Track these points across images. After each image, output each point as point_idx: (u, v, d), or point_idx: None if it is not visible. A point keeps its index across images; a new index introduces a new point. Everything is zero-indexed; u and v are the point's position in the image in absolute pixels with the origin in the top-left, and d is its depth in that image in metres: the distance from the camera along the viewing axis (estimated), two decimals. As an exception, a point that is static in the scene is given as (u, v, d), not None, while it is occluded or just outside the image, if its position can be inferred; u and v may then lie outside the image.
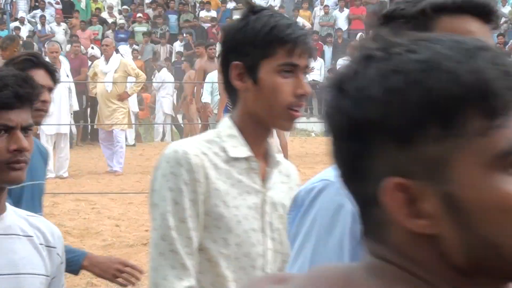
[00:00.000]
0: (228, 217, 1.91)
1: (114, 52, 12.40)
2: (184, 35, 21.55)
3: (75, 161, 12.54)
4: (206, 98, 11.76)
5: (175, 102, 17.74)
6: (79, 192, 10.03)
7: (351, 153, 0.90)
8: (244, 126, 1.96)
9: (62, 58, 12.21)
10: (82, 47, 17.98)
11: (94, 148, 14.67)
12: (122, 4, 24.48)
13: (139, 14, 23.05)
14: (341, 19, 22.74)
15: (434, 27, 1.37)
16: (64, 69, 11.01)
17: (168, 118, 17.29)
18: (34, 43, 16.07)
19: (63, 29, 21.86)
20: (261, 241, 1.96)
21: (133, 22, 22.99)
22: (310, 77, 17.92)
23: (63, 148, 11.70)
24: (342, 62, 11.62)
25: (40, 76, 3.02)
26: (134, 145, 15.62)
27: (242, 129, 1.96)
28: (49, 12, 22.68)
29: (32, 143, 1.96)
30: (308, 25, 22.94)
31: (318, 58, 20.53)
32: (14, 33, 20.13)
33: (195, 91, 14.27)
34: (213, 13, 23.05)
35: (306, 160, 13.79)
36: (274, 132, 2.32)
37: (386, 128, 0.87)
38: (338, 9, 23.01)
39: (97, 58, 13.81)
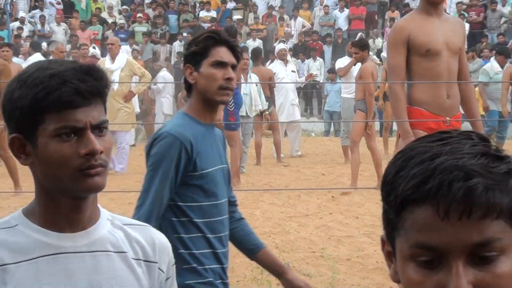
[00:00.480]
0: None
1: (120, 51, 12.36)
2: (185, 34, 21.54)
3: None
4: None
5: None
6: (79, 192, 10.01)
7: None
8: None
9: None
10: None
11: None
12: (122, 4, 24.49)
13: (139, 14, 23.06)
14: (341, 19, 22.75)
15: None
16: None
17: (168, 118, 17.29)
18: (44, 43, 15.99)
19: (63, 29, 21.87)
20: None
21: (133, 22, 23.00)
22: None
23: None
24: (341, 62, 11.55)
25: (223, 53, 3.00)
26: (134, 145, 15.63)
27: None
28: (49, 12, 22.70)
29: (109, 142, 1.68)
30: (308, 25, 22.96)
31: (318, 58, 20.53)
32: (14, 33, 20.15)
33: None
34: (213, 13, 23.06)
35: (306, 160, 13.80)
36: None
37: None
38: (338, 9, 23.01)
39: (97, 57, 13.75)
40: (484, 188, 1.07)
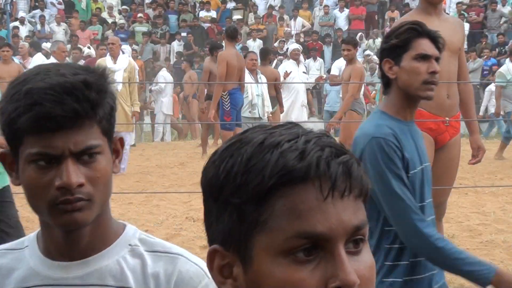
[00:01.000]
0: None
1: (121, 52, 12.31)
2: (185, 34, 21.56)
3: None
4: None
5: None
6: (79, 192, 10.02)
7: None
8: None
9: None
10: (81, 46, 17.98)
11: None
12: (122, 4, 24.50)
13: (139, 14, 23.07)
14: (341, 19, 22.76)
15: None
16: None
17: (168, 118, 17.30)
18: (45, 43, 16.01)
19: (63, 29, 21.88)
20: None
21: (133, 22, 23.02)
22: (310, 77, 17.92)
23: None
24: (340, 62, 11.49)
25: (425, 45, 2.80)
26: (134, 145, 15.64)
27: None
28: (49, 12, 22.71)
29: (102, 170, 1.45)
30: (308, 25, 22.97)
31: (318, 58, 20.53)
32: (14, 33, 20.16)
33: (197, 91, 14.28)
34: (213, 13, 23.07)
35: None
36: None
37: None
38: (338, 9, 23.02)
39: (92, 57, 13.72)
40: (358, 164, 0.96)
